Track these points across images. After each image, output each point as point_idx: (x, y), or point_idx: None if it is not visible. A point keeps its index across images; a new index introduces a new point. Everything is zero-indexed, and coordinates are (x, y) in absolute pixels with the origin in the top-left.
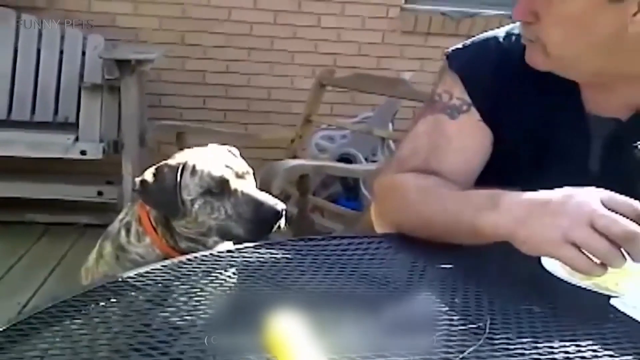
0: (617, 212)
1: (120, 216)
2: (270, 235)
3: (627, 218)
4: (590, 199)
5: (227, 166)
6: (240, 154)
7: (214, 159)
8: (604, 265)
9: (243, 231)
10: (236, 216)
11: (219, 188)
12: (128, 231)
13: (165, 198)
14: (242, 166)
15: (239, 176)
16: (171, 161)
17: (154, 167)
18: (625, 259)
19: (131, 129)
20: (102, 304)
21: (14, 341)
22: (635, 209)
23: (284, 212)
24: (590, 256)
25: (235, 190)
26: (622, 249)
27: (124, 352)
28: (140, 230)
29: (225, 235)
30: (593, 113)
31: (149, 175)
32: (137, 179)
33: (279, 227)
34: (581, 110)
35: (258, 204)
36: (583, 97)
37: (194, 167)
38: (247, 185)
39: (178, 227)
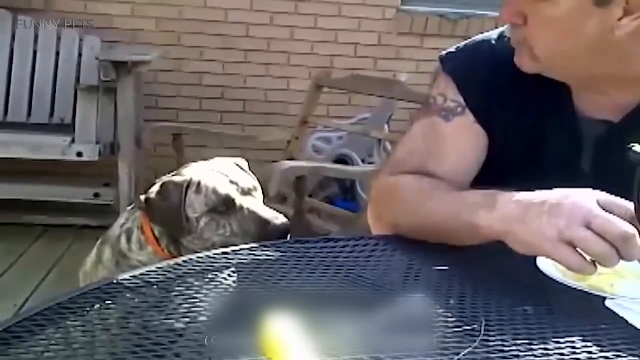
0: (612, 214)
1: (121, 221)
2: None
3: (623, 220)
4: (586, 199)
5: (232, 182)
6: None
7: (220, 175)
8: (595, 264)
9: None
10: (241, 233)
11: (224, 206)
12: (129, 238)
13: (170, 216)
14: (248, 182)
15: (245, 192)
16: (176, 177)
17: (159, 183)
18: (619, 260)
19: (127, 131)
20: (98, 306)
21: (9, 344)
22: (631, 212)
23: (288, 231)
24: (585, 255)
25: (241, 207)
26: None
27: (120, 355)
28: (142, 239)
29: None
30: (585, 115)
31: (154, 192)
32: (142, 197)
33: None
34: (573, 111)
35: (264, 223)
36: (575, 99)
37: (198, 183)
38: (253, 202)
39: (184, 241)
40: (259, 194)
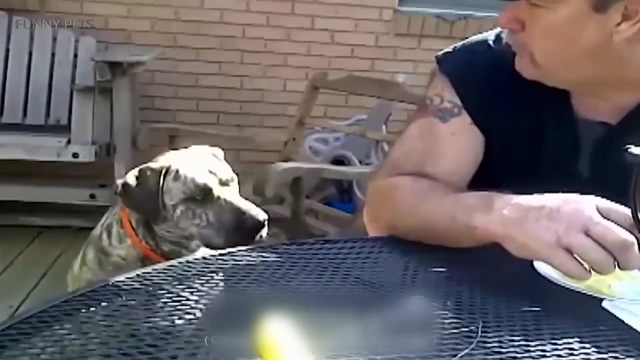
0: (611, 221)
1: (102, 220)
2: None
3: (621, 227)
4: (586, 206)
5: (211, 172)
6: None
7: (198, 164)
8: (590, 271)
9: (223, 240)
10: (218, 224)
11: (201, 195)
12: (109, 233)
13: (147, 202)
14: (226, 172)
15: (223, 183)
16: (154, 164)
17: (137, 169)
18: (615, 268)
19: (123, 132)
20: (93, 308)
21: (4, 346)
22: (630, 219)
23: (266, 222)
24: (581, 261)
25: (218, 197)
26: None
27: (114, 357)
28: (121, 232)
29: (205, 243)
30: (583, 117)
31: (131, 178)
32: (119, 181)
33: (261, 236)
34: (571, 114)
35: (240, 213)
36: (573, 101)
37: (177, 171)
38: (231, 193)
39: (160, 231)
40: (235, 184)
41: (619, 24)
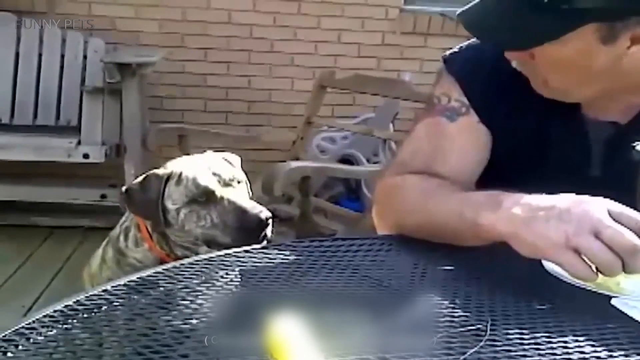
0: (622, 225)
1: (121, 221)
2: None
3: (632, 231)
4: (597, 208)
5: (214, 174)
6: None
7: (202, 167)
8: (599, 272)
9: (229, 239)
10: (222, 224)
11: (203, 197)
12: (127, 236)
13: (147, 207)
14: (231, 173)
15: (226, 184)
16: (160, 170)
17: (144, 175)
18: (623, 270)
19: (133, 132)
20: (105, 308)
21: (18, 345)
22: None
23: (269, 221)
24: (589, 263)
25: (222, 198)
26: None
27: (127, 356)
28: (138, 236)
29: (211, 244)
30: (592, 117)
31: (135, 184)
32: (124, 187)
33: (265, 235)
34: (580, 114)
35: (242, 212)
36: (582, 102)
37: (179, 175)
38: (234, 194)
39: (171, 236)
40: (242, 186)
41: (629, 47)
